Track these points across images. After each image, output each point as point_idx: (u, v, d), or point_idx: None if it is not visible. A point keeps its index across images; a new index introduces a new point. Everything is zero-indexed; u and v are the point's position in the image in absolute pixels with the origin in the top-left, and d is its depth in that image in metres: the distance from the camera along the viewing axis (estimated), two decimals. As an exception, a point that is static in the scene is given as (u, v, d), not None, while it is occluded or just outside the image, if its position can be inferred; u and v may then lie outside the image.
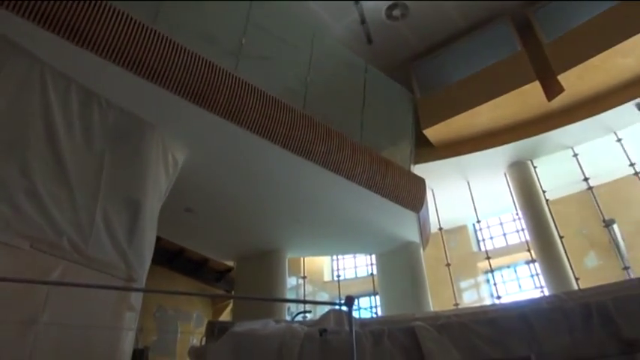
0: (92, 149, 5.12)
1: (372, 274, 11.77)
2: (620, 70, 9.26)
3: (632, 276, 9.11)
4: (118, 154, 5.36)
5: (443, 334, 3.37)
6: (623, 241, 10.25)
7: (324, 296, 12.65)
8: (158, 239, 5.85)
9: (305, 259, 11.50)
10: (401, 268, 9.32)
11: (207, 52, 6.18)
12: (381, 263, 9.96)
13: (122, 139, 5.50)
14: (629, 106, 9.44)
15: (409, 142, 10.29)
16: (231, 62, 6.64)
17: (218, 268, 11.22)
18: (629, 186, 10.29)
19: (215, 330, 4.03)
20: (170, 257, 10.16)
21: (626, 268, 9.51)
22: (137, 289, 4.89)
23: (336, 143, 7.61)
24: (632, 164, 9.87)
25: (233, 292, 10.40)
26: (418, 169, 10.23)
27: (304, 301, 10.54)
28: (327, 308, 4.36)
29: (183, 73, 5.84)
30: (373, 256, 10.54)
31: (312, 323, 4.22)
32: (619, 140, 10.08)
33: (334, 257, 13.88)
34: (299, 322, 4.74)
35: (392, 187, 8.47)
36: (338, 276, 12.68)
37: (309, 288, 11.85)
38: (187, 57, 5.90)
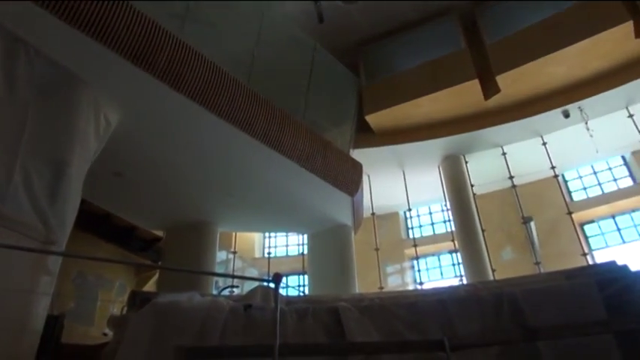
0: (15, 101, 4.74)
1: (302, 253, 11.90)
2: (551, 78, 9.82)
3: (542, 270, 9.83)
4: (45, 109, 5.01)
5: (365, 315, 3.48)
6: (538, 238, 11.01)
7: (253, 272, 12.64)
8: (83, 202, 5.56)
9: (237, 234, 11.42)
10: (331, 249, 9.47)
11: (151, 11, 5.87)
12: (312, 243, 10.08)
13: (50, 93, 5.14)
14: (557, 113, 10.07)
15: (350, 127, 10.38)
16: (176, 26, 6.36)
17: (146, 237, 10.87)
18: (548, 187, 11.03)
19: (137, 300, 3.92)
20: (95, 222, 9.69)
21: (537, 263, 10.23)
22: (55, 253, 4.64)
23: (278, 120, 7.54)
24: (553, 167, 10.57)
25: (160, 263, 10.14)
26: (357, 154, 10.37)
27: (232, 276, 10.50)
28: (255, 284, 4.34)
29: (123, 30, 5.52)
30: (305, 236, 10.63)
31: (239, 298, 4.20)
32: (544, 144, 10.74)
33: (266, 234, 13.88)
34: (225, 296, 4.70)
35: (330, 169, 8.54)
36: (269, 253, 12.71)
37: (238, 263, 11.79)
38: (129, 14, 5.57)
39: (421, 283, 11.63)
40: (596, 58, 9.44)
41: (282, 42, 8.74)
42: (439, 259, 12.97)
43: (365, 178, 10.59)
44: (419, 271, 12.12)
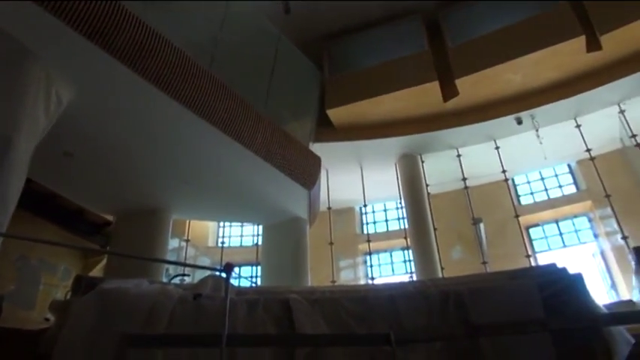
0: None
1: (256, 244, 11.84)
2: (507, 85, 10.17)
3: (488, 270, 10.18)
4: (-10, 81, 4.75)
5: (315, 308, 3.50)
6: (486, 239, 11.40)
7: (205, 261, 12.47)
8: (29, 182, 5.32)
9: (190, 222, 11.22)
10: (286, 241, 9.46)
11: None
12: (267, 235, 10.03)
13: (-3, 64, 4.87)
14: (510, 119, 10.44)
15: (311, 120, 10.39)
16: (138, 5, 6.15)
17: (95, 221, 10.52)
18: (498, 190, 11.43)
19: (82, 285, 3.79)
20: (41, 203, 9.29)
21: (484, 263, 10.58)
22: (-5, 234, 4.42)
23: (239, 109, 7.44)
24: (504, 171, 10.95)
25: (108, 248, 9.84)
26: (316, 148, 10.40)
27: (184, 264, 10.31)
28: (206, 273, 4.30)
29: (81, 4, 5.29)
30: (260, 227, 10.57)
31: (189, 287, 4.15)
32: (497, 148, 11.11)
33: (221, 224, 13.72)
34: (175, 284, 4.63)
35: (288, 161, 8.52)
36: (222, 243, 12.57)
37: (191, 251, 11.61)
38: (87, -12, 5.34)
39: (373, 279, 11.81)
40: (549, 69, 9.84)
41: (246, 30, 8.63)
42: (391, 256, 13.22)
43: (323, 172, 10.63)
44: (371, 266, 12.30)
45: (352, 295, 3.81)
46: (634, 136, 9.88)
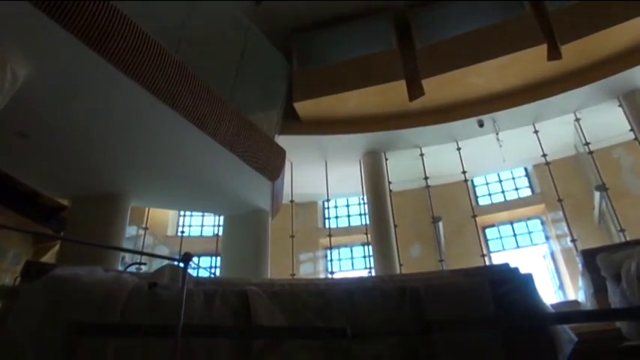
0: None
1: (217, 234, 11.73)
2: (471, 88, 10.41)
3: (445, 268, 10.45)
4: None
5: (273, 301, 3.50)
6: (444, 237, 11.68)
7: (164, 250, 12.24)
8: (-23, 162, 5.07)
9: (150, 209, 10.99)
10: (247, 233, 9.42)
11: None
12: (228, 225, 9.95)
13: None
14: (473, 121, 10.70)
15: (278, 112, 10.34)
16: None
17: (49, 205, 10.13)
18: (458, 191, 11.72)
19: (33, 271, 3.65)
20: (-9, 185, 8.88)
21: (441, 261, 10.85)
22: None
23: (205, 97, 7.32)
24: (464, 172, 11.22)
25: (62, 234, 9.51)
26: (281, 140, 10.36)
27: (141, 253, 10.06)
28: (164, 262, 4.22)
29: (40, -22, 5.07)
30: (222, 218, 10.47)
31: (145, 276, 4.06)
32: (458, 149, 11.37)
33: (181, 213, 13.50)
34: (131, 273, 4.53)
35: (253, 152, 8.45)
36: (182, 232, 12.38)
37: (149, 240, 11.37)
38: (48, -38, 5.11)
39: (332, 273, 11.91)
40: (511, 75, 10.13)
41: (216, 18, 8.47)
42: (352, 251, 13.36)
43: (287, 165, 10.61)
44: (331, 260, 12.40)
45: (311, 288, 3.83)
46: (587, 143, 10.32)
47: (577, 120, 10.64)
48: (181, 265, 3.03)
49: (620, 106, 10.17)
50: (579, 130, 10.59)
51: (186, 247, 10.91)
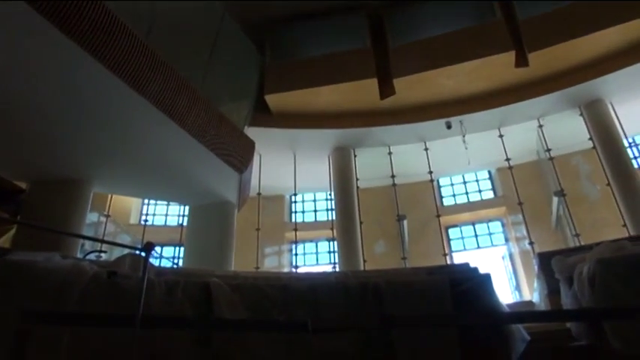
0: None
1: (181, 224, 11.56)
2: (441, 89, 10.58)
3: (408, 265, 10.63)
4: None
5: (236, 293, 3.48)
6: (408, 235, 11.87)
7: (125, 239, 11.98)
8: None
9: (113, 196, 10.72)
10: (212, 224, 9.30)
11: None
12: (193, 216, 9.81)
13: None
14: (441, 123, 10.88)
15: (248, 103, 10.24)
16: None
17: (6, 188, 9.74)
18: (423, 190, 11.92)
19: (-15, 256, 3.52)
20: (-58, 164, 8.47)
21: (404, 258, 11.03)
22: None
23: (174, 84, 7.17)
24: (430, 172, 11.42)
25: (19, 218, 9.17)
26: (251, 132, 10.29)
27: (101, 241, 9.82)
28: (126, 251, 4.13)
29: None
30: (187, 208, 10.32)
31: (105, 264, 3.97)
32: (426, 149, 11.56)
33: (146, 201, 13.24)
34: (90, 260, 4.41)
35: (222, 142, 8.35)
36: (145, 220, 12.14)
37: (110, 228, 11.10)
38: None
39: (297, 267, 11.93)
40: (480, 79, 10.36)
41: (189, 4, 8.30)
42: (317, 246, 13.41)
43: (256, 157, 10.55)
44: (296, 255, 12.42)
45: (274, 282, 3.83)
46: (548, 150, 10.67)
47: (540, 126, 10.98)
48: (143, 254, 2.98)
49: (581, 115, 10.56)
50: (541, 137, 10.94)
51: (150, 236, 10.72)
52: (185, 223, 10.32)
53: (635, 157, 11.10)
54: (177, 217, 13.22)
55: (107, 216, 10.43)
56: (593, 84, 9.97)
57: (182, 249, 10.52)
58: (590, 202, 11.25)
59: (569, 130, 10.90)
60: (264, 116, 10.96)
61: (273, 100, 10.80)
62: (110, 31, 6.05)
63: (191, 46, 8.36)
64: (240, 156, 9.02)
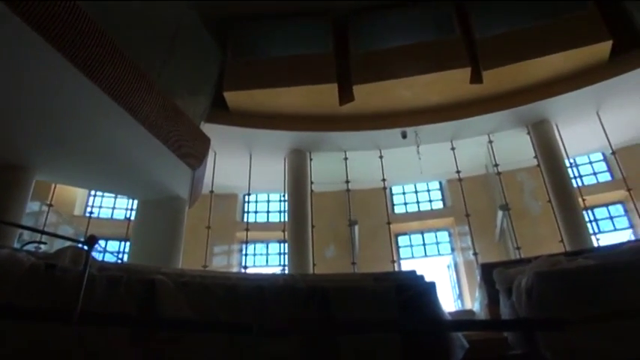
0: None
1: (129, 218, 11.22)
2: (399, 100, 10.80)
3: (357, 270, 10.75)
4: None
5: (181, 291, 3.42)
6: (359, 241, 12.01)
7: (68, 230, 11.48)
8: None
9: (57, 186, 10.26)
10: (161, 220, 9.07)
11: None
12: (141, 210, 9.52)
13: None
14: (396, 132, 11.10)
15: (206, 99, 10.08)
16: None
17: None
18: (376, 197, 12.10)
19: None
20: None
21: (353, 263, 11.14)
22: None
23: (130, 74, 6.96)
24: (383, 180, 11.61)
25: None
26: (207, 128, 10.13)
27: (42, 232, 9.36)
28: (67, 244, 3.96)
29: None
30: (136, 202, 10.01)
31: (44, 256, 3.79)
32: (381, 157, 11.75)
33: (92, 192, 12.75)
34: (28, 251, 4.21)
35: (176, 137, 8.17)
36: (90, 212, 11.69)
37: (52, 218, 10.60)
38: None
39: (246, 267, 11.82)
40: (437, 92, 10.65)
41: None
42: (267, 247, 13.33)
43: (211, 154, 10.39)
44: (246, 255, 12.30)
45: (222, 282, 3.79)
46: (496, 165, 11.10)
47: (490, 142, 11.40)
48: (85, 247, 2.87)
49: (529, 134, 11.05)
50: (491, 152, 11.37)
51: (94, 229, 10.32)
52: (133, 217, 10.02)
53: (575, 177, 11.70)
54: (124, 211, 12.82)
55: (49, 206, 9.95)
56: (541, 105, 10.46)
57: (128, 244, 10.19)
58: (532, 217, 11.78)
59: (516, 148, 11.38)
60: (222, 113, 10.81)
61: (231, 97, 10.67)
62: (60, 12, 5.78)
63: (150, 36, 8.15)
64: (194, 152, 8.86)
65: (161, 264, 7.76)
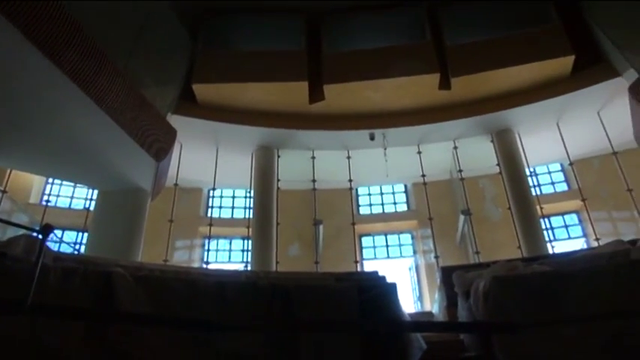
0: None
1: (88, 208, 10.88)
2: (368, 101, 10.88)
3: (319, 270, 10.77)
4: None
5: (139, 285, 3.34)
6: (323, 240, 12.04)
7: (22, 218, 11.03)
8: None
9: (12, 171, 9.84)
10: (121, 211, 8.83)
11: None
12: (101, 200, 9.25)
13: None
14: (364, 133, 11.18)
15: (174, 90, 9.89)
16: None
17: None
18: (341, 197, 12.15)
19: None
20: None
21: (316, 263, 11.16)
22: None
23: (95, 60, 6.76)
24: (350, 180, 11.67)
25: None
26: (174, 120, 9.94)
27: (-7, 219, 8.98)
28: (21, 232, 3.81)
29: None
30: (96, 191, 9.72)
31: (-5, 245, 3.64)
32: (348, 158, 11.81)
33: (50, 180, 12.31)
34: (-23, 239, 4.02)
35: (141, 127, 7.97)
36: (47, 201, 11.28)
37: (6, 205, 10.16)
38: None
39: (207, 263, 11.66)
40: (406, 95, 10.78)
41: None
42: (230, 243, 13.20)
43: (176, 147, 10.19)
44: (208, 250, 12.13)
45: (182, 276, 3.73)
46: (460, 171, 11.33)
47: (455, 148, 11.63)
48: (40, 236, 2.76)
49: (492, 141, 11.33)
50: (455, 158, 11.60)
51: (51, 218, 9.98)
52: (92, 208, 9.72)
53: (534, 186, 12.07)
54: (83, 201, 12.43)
55: (4, 192, 9.54)
56: (505, 114, 10.74)
57: (86, 235, 9.88)
58: (492, 222, 12.10)
59: (480, 154, 11.65)
60: (190, 105, 10.62)
61: (200, 89, 10.50)
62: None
63: (118, 22, 7.92)
64: (159, 143, 8.67)
65: (120, 257, 7.57)
